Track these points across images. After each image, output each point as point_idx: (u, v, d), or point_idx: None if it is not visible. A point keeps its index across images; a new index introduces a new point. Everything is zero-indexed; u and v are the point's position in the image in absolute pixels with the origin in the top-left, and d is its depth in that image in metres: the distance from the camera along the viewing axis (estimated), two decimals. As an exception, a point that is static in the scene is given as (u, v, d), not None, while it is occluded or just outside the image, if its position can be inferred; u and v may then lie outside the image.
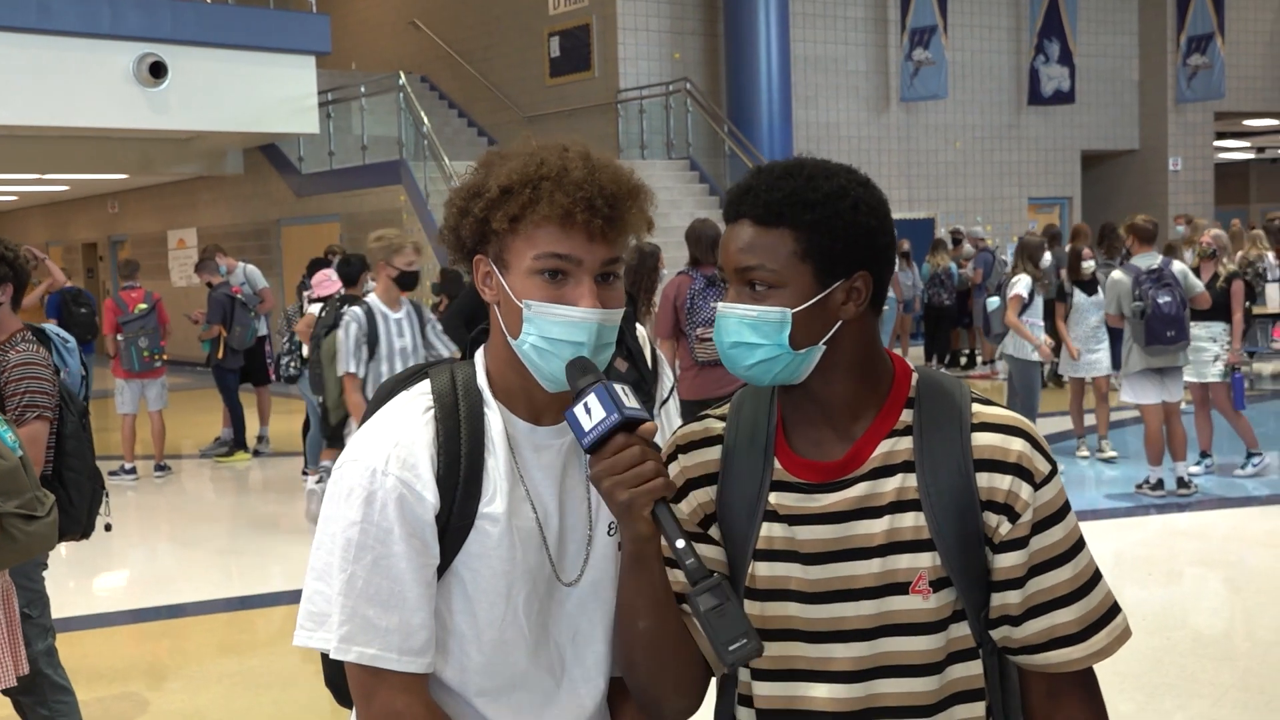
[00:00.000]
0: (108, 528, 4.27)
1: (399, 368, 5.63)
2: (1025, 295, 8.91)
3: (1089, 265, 9.33)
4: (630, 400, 1.51)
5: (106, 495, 4.21)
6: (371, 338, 5.77)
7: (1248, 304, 9.19)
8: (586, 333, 1.57)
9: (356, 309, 5.90)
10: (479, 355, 1.71)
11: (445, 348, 5.94)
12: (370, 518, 1.55)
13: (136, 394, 10.15)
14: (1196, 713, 4.77)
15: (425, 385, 1.67)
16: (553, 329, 1.57)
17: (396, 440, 1.59)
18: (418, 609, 1.57)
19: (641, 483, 1.48)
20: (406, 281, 5.91)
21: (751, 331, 1.56)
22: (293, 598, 6.85)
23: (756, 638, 1.45)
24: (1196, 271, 8.75)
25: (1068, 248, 10.51)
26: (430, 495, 1.57)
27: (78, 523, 3.97)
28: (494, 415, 1.64)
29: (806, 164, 1.59)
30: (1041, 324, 9.03)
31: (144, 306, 10.13)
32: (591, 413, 1.50)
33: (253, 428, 11.52)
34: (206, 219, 19.72)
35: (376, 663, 1.55)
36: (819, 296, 1.56)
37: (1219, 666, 5.31)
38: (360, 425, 1.70)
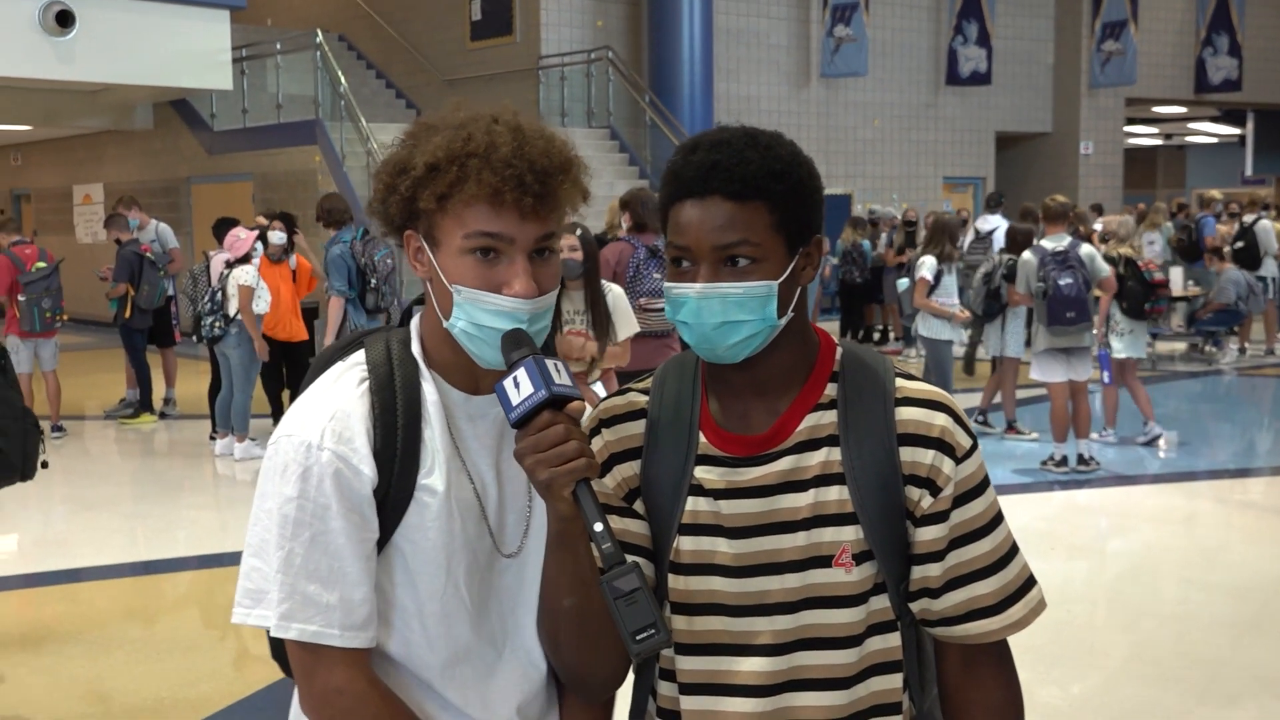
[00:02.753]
0: (44, 465, 4.21)
1: None
2: (930, 278, 8.99)
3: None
4: (562, 376, 1.49)
5: (43, 434, 4.15)
6: None
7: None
8: (517, 321, 1.54)
9: None
10: (414, 324, 1.67)
11: None
12: (307, 493, 1.52)
13: (30, 354, 9.90)
14: (1093, 684, 4.90)
15: (360, 356, 1.63)
16: (482, 316, 1.54)
17: (332, 414, 1.55)
18: (359, 584, 1.54)
19: (563, 462, 1.45)
20: None
21: (738, 309, 1.53)
22: (199, 563, 6.79)
23: (665, 629, 1.44)
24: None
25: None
26: (368, 469, 1.54)
27: (13, 467, 3.89)
28: (429, 386, 1.61)
29: (757, 134, 1.57)
30: (955, 302, 9.14)
31: (43, 265, 9.86)
32: (520, 387, 1.48)
33: (159, 389, 11.29)
34: (113, 174, 19.21)
35: (318, 639, 1.52)
36: (792, 265, 1.57)
37: (1116, 639, 5.45)
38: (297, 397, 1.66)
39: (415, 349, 1.63)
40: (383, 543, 1.57)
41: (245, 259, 9.14)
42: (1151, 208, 17.00)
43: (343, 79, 14.64)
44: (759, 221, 1.53)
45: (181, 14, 13.57)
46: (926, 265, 9.05)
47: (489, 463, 1.63)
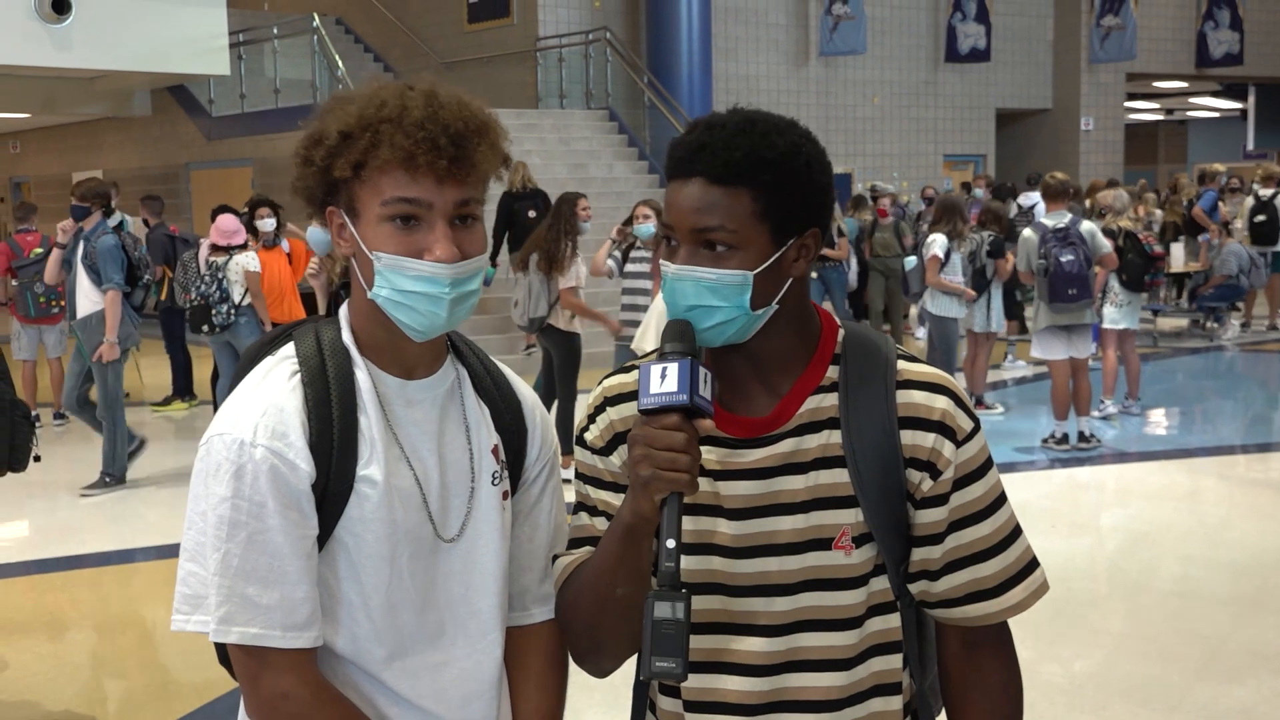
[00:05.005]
0: (36, 458, 4.17)
1: None
2: (942, 255, 9.03)
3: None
4: (707, 389, 1.47)
5: (38, 424, 4.09)
6: None
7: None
8: (440, 286, 1.52)
9: None
10: (343, 311, 1.64)
11: None
12: (241, 492, 1.49)
13: (34, 340, 9.89)
14: (1095, 661, 4.91)
15: (289, 348, 1.61)
16: (405, 282, 1.52)
17: (264, 409, 1.52)
18: (299, 582, 1.51)
19: (671, 468, 1.43)
20: None
21: (711, 294, 1.52)
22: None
23: (685, 667, 1.43)
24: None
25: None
26: (304, 464, 1.51)
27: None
28: (363, 374, 1.59)
29: (757, 119, 1.55)
30: (960, 279, 9.16)
31: (40, 251, 9.82)
32: (665, 379, 1.45)
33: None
34: (113, 161, 19.19)
35: (260, 642, 1.50)
36: (775, 256, 1.54)
37: (1116, 616, 5.46)
38: (228, 395, 1.62)
39: (346, 337, 1.61)
40: (324, 537, 1.55)
41: (244, 245, 9.06)
42: (1178, 181, 17.14)
43: (340, 63, 14.62)
44: (740, 209, 1.51)
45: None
46: (938, 243, 9.07)
47: (430, 448, 1.61)
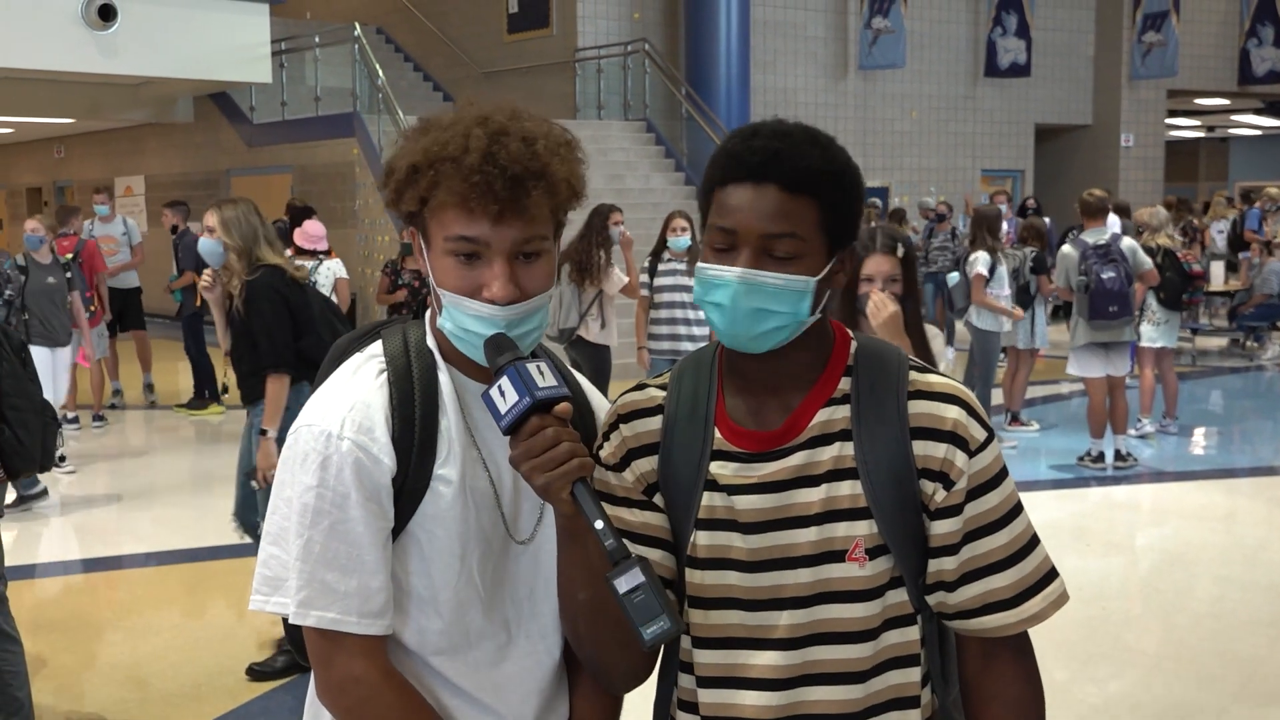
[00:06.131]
0: (61, 459, 4.25)
1: None
2: (986, 272, 8.96)
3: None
4: (546, 378, 1.50)
5: (60, 426, 4.17)
6: None
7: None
8: (495, 326, 1.56)
9: None
10: (428, 315, 1.70)
11: None
12: (326, 482, 1.55)
13: (74, 343, 9.97)
14: (1130, 681, 4.87)
15: (377, 346, 1.67)
16: (465, 320, 1.58)
17: (352, 404, 1.59)
18: (376, 572, 1.57)
19: (556, 466, 1.47)
20: None
21: (774, 299, 1.54)
22: (231, 551, 6.85)
23: (675, 619, 1.45)
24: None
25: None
26: (387, 459, 1.57)
27: (31, 459, 3.97)
28: (445, 377, 1.65)
29: (815, 131, 1.58)
30: (1007, 294, 9.11)
31: (68, 257, 9.89)
32: (505, 396, 1.49)
33: (127, 376, 11.44)
34: (155, 167, 19.39)
35: (336, 626, 1.56)
36: (829, 266, 1.57)
37: (1153, 637, 5.40)
38: (315, 388, 1.69)
39: (430, 340, 1.67)
40: (398, 531, 1.60)
41: (329, 251, 9.02)
42: (1213, 199, 17.09)
43: (380, 72, 14.71)
44: (808, 217, 1.54)
45: (222, 8, 13.69)
46: (980, 261, 9.01)
47: (506, 451, 1.64)
